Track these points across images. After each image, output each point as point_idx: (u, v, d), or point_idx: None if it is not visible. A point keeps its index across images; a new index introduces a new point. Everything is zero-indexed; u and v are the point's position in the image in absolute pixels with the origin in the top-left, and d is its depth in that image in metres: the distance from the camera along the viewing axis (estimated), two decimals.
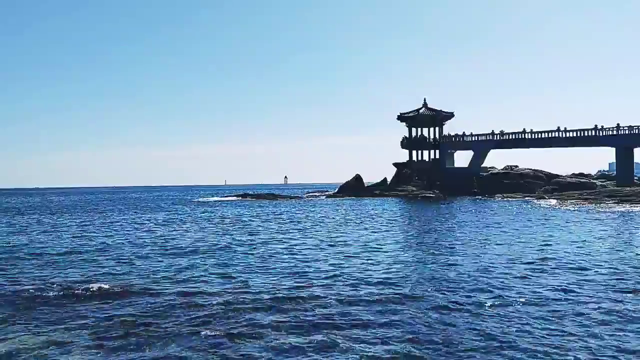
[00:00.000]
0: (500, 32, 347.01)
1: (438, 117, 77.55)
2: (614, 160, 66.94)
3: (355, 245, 20.96)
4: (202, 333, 9.09)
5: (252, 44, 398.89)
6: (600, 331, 8.90)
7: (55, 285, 13.33)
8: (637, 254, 17.36)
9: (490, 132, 73.81)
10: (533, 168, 72.61)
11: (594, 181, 69.92)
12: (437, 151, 77.90)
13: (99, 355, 8.20)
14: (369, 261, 16.79)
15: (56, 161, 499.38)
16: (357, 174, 78.91)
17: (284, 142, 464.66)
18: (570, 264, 15.61)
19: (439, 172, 75.29)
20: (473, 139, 75.66)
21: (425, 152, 78.95)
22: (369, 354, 8.01)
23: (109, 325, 9.64)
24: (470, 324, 9.41)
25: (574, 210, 40.01)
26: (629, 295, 11.48)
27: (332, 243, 21.95)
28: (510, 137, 71.86)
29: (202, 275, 14.61)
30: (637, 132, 62.07)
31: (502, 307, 10.55)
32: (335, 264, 16.32)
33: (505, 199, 59.61)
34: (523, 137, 70.68)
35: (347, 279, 13.80)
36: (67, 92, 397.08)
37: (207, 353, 8.19)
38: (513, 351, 8.03)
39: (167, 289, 12.78)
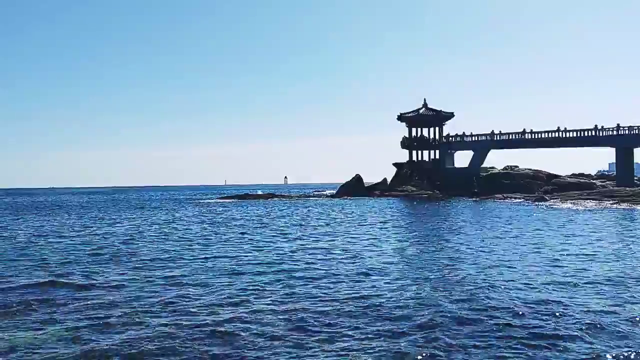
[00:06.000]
0: (500, 32, 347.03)
1: (438, 117, 77.49)
2: (614, 160, 66.89)
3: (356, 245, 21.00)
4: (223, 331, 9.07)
5: (252, 44, 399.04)
6: (600, 334, 8.90)
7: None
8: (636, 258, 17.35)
9: (490, 132, 73.77)
10: (533, 168, 72.55)
11: (594, 181, 69.87)
12: (437, 151, 77.84)
13: (99, 354, 8.19)
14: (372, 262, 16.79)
15: (54, 161, 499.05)
16: (357, 174, 78.91)
17: (284, 142, 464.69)
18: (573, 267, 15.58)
19: (439, 172, 75.24)
20: (473, 139, 75.59)
21: (425, 152, 78.96)
22: (370, 354, 8.02)
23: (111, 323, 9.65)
24: (472, 326, 9.40)
25: (574, 211, 40.01)
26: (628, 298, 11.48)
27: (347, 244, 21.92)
28: (511, 137, 71.79)
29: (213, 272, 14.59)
30: (637, 132, 62.01)
31: (504, 308, 10.54)
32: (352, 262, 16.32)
33: (505, 199, 59.59)
34: (523, 137, 70.61)
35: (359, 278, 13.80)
36: (67, 92, 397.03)
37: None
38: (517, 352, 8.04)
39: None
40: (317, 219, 36.82)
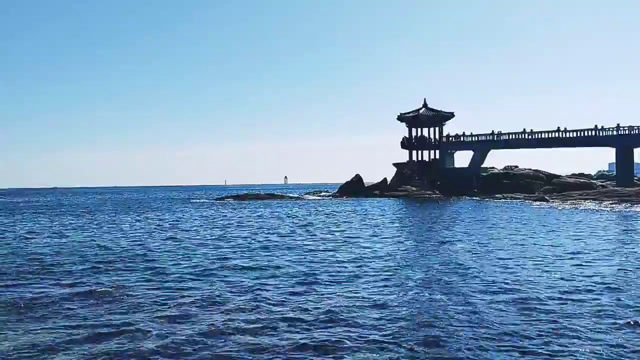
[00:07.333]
0: (500, 32, 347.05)
1: (438, 117, 77.51)
2: (614, 160, 66.94)
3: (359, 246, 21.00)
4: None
5: (253, 44, 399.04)
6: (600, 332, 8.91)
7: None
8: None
9: (490, 132, 73.84)
10: (533, 168, 72.61)
11: (594, 181, 69.91)
12: (437, 151, 77.87)
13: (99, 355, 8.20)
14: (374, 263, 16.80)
15: (54, 161, 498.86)
16: (357, 174, 78.90)
17: (284, 142, 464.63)
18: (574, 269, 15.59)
19: (439, 172, 75.29)
20: (473, 139, 75.63)
21: (425, 152, 78.98)
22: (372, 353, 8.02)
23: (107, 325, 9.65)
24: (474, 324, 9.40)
25: (575, 211, 40.02)
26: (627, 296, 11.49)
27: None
28: (510, 137, 71.83)
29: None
30: (637, 132, 62.07)
31: (505, 305, 10.55)
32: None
33: (506, 199, 59.61)
34: (523, 137, 70.66)
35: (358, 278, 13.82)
36: (67, 92, 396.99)
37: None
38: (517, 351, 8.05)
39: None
40: (320, 220, 36.81)
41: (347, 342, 8.59)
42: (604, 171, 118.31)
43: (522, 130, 70.80)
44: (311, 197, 79.02)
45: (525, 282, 12.94)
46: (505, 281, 13.13)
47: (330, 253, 19.05)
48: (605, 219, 31.84)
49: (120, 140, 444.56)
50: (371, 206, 51.57)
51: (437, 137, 77.92)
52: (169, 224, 34.07)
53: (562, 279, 13.40)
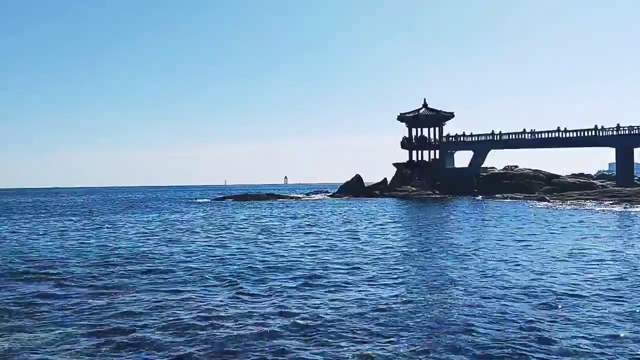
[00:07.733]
0: (500, 31, 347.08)
1: (438, 117, 77.62)
2: (614, 160, 66.99)
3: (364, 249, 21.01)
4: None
5: (252, 44, 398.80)
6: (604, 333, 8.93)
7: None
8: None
9: (490, 132, 73.90)
10: (533, 168, 72.67)
11: (594, 181, 69.96)
12: (437, 151, 77.97)
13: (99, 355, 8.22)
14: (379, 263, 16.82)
15: (54, 161, 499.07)
16: (357, 174, 78.94)
17: (284, 142, 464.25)
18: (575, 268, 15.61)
19: (439, 172, 75.36)
20: (473, 139, 75.70)
21: (425, 152, 79.07)
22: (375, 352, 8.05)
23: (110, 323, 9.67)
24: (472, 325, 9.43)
25: (575, 211, 40.05)
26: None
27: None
28: (510, 137, 71.91)
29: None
30: (637, 132, 62.10)
31: (506, 305, 10.57)
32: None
33: (506, 199, 59.63)
34: (523, 137, 70.72)
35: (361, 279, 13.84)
36: (67, 92, 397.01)
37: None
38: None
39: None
40: (324, 219, 36.82)
41: (353, 341, 8.62)
42: (604, 171, 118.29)
43: (522, 130, 70.87)
44: (311, 197, 79.07)
45: (531, 282, 12.97)
46: (511, 281, 13.15)
47: (338, 253, 19.08)
48: (606, 219, 31.87)
49: (120, 140, 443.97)
50: (373, 206, 51.59)
51: (437, 137, 78.03)
52: (171, 224, 34.09)
53: (565, 280, 13.43)
